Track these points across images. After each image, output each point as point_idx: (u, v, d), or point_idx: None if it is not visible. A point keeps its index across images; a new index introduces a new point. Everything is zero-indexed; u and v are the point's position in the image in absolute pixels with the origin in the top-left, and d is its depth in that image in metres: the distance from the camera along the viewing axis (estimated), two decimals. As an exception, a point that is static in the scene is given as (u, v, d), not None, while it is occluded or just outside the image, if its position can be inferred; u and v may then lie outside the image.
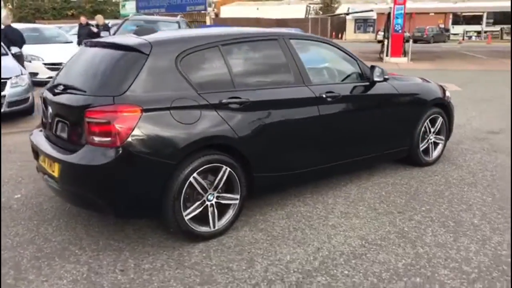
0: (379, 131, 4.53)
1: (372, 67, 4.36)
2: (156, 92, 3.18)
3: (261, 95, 3.60)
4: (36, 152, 3.70)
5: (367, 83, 4.35)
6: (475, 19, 43.68)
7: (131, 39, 3.49)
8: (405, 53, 19.52)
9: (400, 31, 19.12)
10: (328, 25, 42.80)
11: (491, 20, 42.81)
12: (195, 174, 3.20)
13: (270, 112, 3.64)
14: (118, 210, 3.24)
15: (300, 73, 3.88)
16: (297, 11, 49.29)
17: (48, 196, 4.22)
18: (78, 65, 3.66)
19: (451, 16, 45.63)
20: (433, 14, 43.75)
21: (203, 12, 19.38)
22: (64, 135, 3.37)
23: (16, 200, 4.22)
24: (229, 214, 3.46)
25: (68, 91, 3.41)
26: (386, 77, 4.52)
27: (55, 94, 3.52)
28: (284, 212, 3.88)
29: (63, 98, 3.43)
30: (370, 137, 4.44)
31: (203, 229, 3.34)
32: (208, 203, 3.33)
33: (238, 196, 3.47)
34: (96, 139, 3.04)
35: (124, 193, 3.13)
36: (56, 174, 3.28)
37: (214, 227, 3.38)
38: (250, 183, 3.54)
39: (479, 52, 24.38)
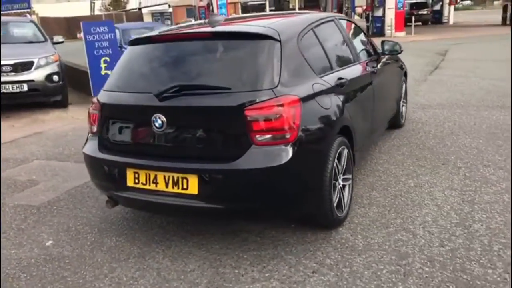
0: (392, 93, 5.13)
1: (383, 42, 4.79)
2: (296, 79, 2.96)
3: (349, 74, 3.64)
4: (119, 173, 3.00)
5: (381, 55, 4.77)
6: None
7: (251, 27, 3.17)
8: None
9: (401, 8, 21.41)
10: (124, 20, 41.44)
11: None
12: (336, 160, 3.12)
13: (357, 89, 3.75)
14: (283, 210, 2.90)
15: (355, 50, 4.07)
16: (81, 9, 46.20)
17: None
18: (172, 62, 3.05)
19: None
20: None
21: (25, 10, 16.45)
22: (194, 143, 2.83)
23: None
24: (347, 195, 3.46)
25: (190, 92, 2.83)
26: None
27: (163, 99, 2.85)
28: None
29: (195, 101, 2.83)
30: (390, 99, 4.99)
31: (340, 214, 3.28)
32: (338, 187, 3.28)
33: (351, 176, 3.49)
34: (266, 137, 2.68)
35: (294, 190, 2.85)
36: (192, 189, 2.76)
37: (344, 210, 3.34)
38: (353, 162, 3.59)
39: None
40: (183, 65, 2.99)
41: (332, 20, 3.97)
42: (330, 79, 3.30)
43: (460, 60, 12.41)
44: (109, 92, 3.19)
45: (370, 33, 23.24)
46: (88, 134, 3.37)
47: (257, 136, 2.66)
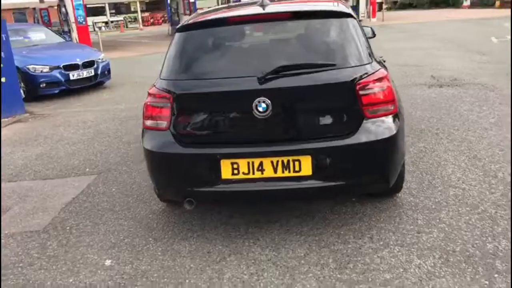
0: None
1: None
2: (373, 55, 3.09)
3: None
4: (210, 167, 2.76)
5: None
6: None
7: (327, 6, 3.13)
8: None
9: None
10: None
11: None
12: None
13: None
14: (391, 182, 2.98)
15: None
16: None
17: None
18: (258, 44, 2.87)
19: None
20: None
21: None
22: (302, 123, 2.76)
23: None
24: None
25: (293, 72, 2.71)
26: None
27: (265, 81, 2.66)
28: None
29: (301, 80, 2.69)
30: None
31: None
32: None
33: None
34: (376, 110, 2.76)
35: (399, 159, 2.97)
36: (306, 171, 2.71)
37: None
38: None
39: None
40: (274, 46, 2.88)
41: None
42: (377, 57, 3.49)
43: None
44: (181, 81, 2.87)
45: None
46: (145, 131, 2.98)
47: (369, 109, 2.73)
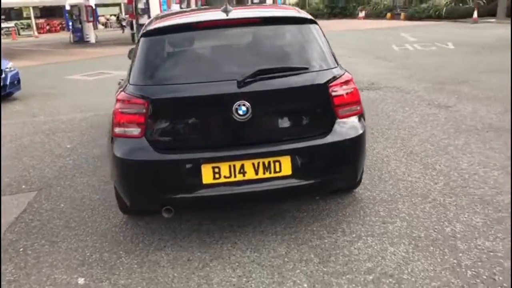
0: None
1: None
2: None
3: None
4: (190, 173, 2.73)
5: None
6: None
7: (292, 12, 3.26)
8: None
9: None
10: None
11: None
12: None
13: None
14: (358, 178, 3.16)
15: None
16: None
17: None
18: (231, 48, 2.88)
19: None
20: None
21: None
22: (280, 125, 2.86)
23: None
24: None
25: (269, 75, 2.77)
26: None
27: (244, 84, 2.68)
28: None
29: (279, 83, 2.75)
30: None
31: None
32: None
33: None
34: (346, 110, 2.94)
35: (363, 156, 3.17)
36: (286, 171, 2.82)
37: None
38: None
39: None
40: (246, 50, 2.92)
41: None
42: None
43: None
44: (157, 86, 2.80)
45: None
46: (115, 139, 2.86)
47: (340, 110, 2.90)
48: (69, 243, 3.21)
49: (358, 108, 3.00)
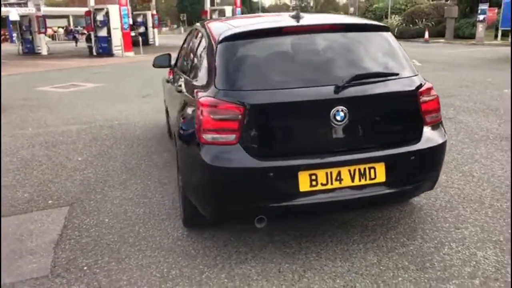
0: None
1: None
2: None
3: None
4: (287, 180, 2.64)
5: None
6: None
7: (363, 20, 3.24)
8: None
9: (127, 29, 21.53)
10: None
11: None
12: None
13: None
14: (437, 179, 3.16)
15: None
16: None
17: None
18: (320, 53, 2.82)
19: None
20: None
21: None
22: (375, 131, 2.83)
23: None
24: None
25: (364, 81, 2.73)
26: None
27: (341, 89, 2.63)
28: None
29: (373, 89, 2.72)
30: None
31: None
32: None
33: None
34: (432, 116, 2.97)
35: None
36: (380, 177, 2.80)
37: None
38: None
39: None
40: (334, 56, 2.87)
41: None
42: None
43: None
44: (253, 91, 2.68)
45: (95, 54, 22.66)
46: (205, 146, 2.71)
47: (427, 116, 2.92)
48: (137, 260, 2.98)
49: (440, 115, 3.04)
